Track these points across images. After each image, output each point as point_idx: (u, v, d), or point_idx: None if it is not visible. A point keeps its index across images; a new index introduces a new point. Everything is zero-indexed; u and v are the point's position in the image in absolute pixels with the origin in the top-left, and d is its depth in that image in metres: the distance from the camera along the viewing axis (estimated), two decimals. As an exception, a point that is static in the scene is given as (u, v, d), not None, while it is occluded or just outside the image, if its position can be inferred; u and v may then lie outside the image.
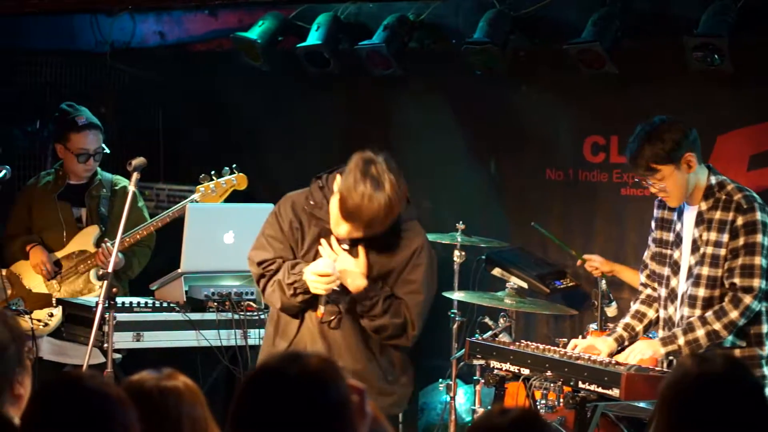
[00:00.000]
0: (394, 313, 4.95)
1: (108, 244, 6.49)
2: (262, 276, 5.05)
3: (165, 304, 6.44)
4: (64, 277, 6.72)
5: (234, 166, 6.55)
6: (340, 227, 4.86)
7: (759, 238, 5.06)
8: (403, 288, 4.98)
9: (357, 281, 4.89)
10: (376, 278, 4.96)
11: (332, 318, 4.98)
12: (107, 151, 6.88)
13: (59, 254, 6.75)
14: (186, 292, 6.46)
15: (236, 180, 6.52)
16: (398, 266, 4.98)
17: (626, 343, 5.39)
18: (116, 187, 6.89)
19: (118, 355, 6.14)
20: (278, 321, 5.14)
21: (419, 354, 7.88)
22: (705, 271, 5.12)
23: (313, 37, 7.87)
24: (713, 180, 5.17)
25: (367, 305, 4.92)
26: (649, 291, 5.44)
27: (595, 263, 6.91)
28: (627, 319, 5.46)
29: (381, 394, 4.99)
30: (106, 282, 5.38)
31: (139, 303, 6.39)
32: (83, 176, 6.82)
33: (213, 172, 6.57)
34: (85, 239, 6.76)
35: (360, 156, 4.85)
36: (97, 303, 5.44)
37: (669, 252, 5.29)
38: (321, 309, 4.90)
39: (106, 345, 5.58)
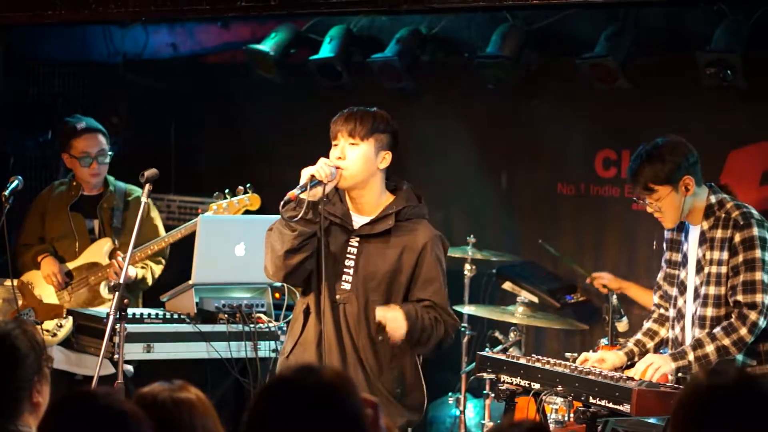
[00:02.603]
0: (437, 328, 4.97)
1: (120, 258, 6.50)
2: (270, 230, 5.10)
3: (176, 316, 6.44)
4: (75, 288, 6.72)
5: (248, 185, 6.54)
6: (334, 151, 4.98)
7: (758, 253, 5.06)
8: (427, 289, 4.99)
9: (399, 324, 4.89)
10: (388, 275, 4.97)
11: (301, 203, 4.90)
12: (110, 153, 6.85)
13: (70, 265, 6.76)
14: (197, 303, 6.45)
15: (249, 200, 6.51)
16: (409, 263, 4.98)
17: (636, 358, 5.39)
18: (129, 198, 6.90)
19: (129, 367, 6.14)
20: (291, 327, 5.18)
21: (429, 367, 7.89)
22: (711, 290, 5.13)
23: (326, 50, 7.89)
24: (713, 199, 5.18)
25: (416, 337, 4.94)
26: (661, 311, 5.45)
27: (604, 280, 6.90)
28: (639, 336, 5.46)
29: (389, 405, 4.99)
30: (117, 293, 5.38)
31: (149, 314, 6.38)
32: (92, 182, 6.81)
33: (227, 190, 6.56)
34: (97, 251, 6.77)
35: None
36: (108, 314, 5.44)
37: (677, 272, 5.30)
38: (296, 190, 4.86)
39: (116, 356, 5.58)
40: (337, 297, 5.00)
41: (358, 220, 5.03)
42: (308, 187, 4.84)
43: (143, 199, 5.64)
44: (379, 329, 4.93)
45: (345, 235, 5.01)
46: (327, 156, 5.03)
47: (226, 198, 6.52)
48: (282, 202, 4.90)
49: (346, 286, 5.00)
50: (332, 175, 4.89)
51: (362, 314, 4.99)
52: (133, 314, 6.28)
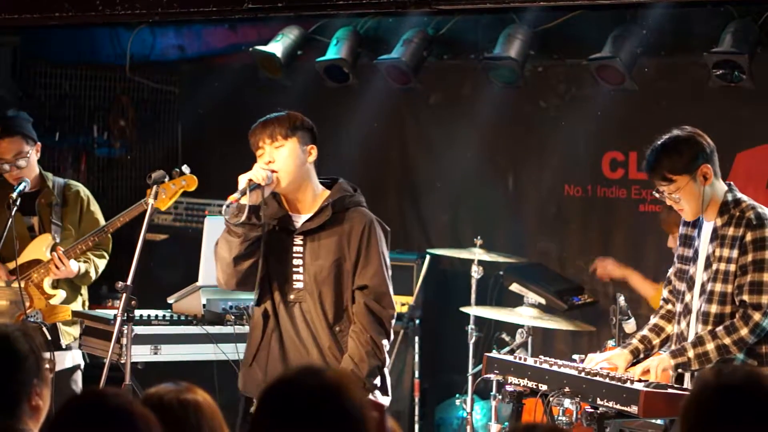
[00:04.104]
0: (368, 352, 5.00)
1: (61, 252, 6.45)
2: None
3: (183, 318, 6.45)
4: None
5: (183, 166, 6.36)
6: (261, 161, 5.06)
7: None
8: (367, 274, 5.05)
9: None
10: (334, 265, 5.03)
11: (242, 209, 4.98)
12: (32, 149, 6.72)
13: (11, 264, 6.66)
14: (204, 305, 6.46)
15: (186, 181, 6.36)
16: (351, 249, 5.04)
17: (641, 355, 5.38)
18: (68, 193, 6.80)
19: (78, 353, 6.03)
20: (250, 335, 5.25)
21: (436, 369, 7.89)
22: (717, 287, 5.11)
23: (333, 52, 7.89)
24: (729, 197, 5.17)
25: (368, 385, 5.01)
26: (669, 306, 5.43)
27: (608, 266, 6.92)
28: (644, 332, 5.44)
29: None
30: (124, 294, 5.38)
31: (157, 316, 6.39)
32: (15, 181, 6.68)
33: (162, 173, 6.35)
34: (38, 247, 6.67)
35: None
36: (115, 316, 5.44)
37: (687, 268, 5.29)
38: (236, 195, 4.94)
39: (124, 358, 5.58)
40: (291, 297, 5.09)
41: (298, 219, 5.13)
42: (247, 191, 4.95)
43: (149, 201, 5.64)
44: None
45: (288, 236, 5.11)
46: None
47: (162, 181, 6.28)
48: (224, 206, 5.01)
49: (299, 285, 5.08)
50: (269, 178, 5.01)
51: (318, 308, 5.06)
52: (141, 316, 6.28)
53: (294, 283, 5.09)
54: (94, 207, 6.80)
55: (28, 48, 8.78)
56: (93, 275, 6.68)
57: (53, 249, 6.56)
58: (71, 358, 6.64)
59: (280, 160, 5.05)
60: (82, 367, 6.65)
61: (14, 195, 6.40)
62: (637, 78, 7.15)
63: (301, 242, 5.09)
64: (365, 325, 5.02)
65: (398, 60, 7.67)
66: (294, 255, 5.10)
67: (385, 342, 5.07)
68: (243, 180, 4.98)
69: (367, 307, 5.04)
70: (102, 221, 6.73)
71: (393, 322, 5.15)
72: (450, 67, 8.09)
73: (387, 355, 5.08)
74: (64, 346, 6.57)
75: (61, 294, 6.61)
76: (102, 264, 6.71)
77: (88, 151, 9.23)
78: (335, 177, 5.26)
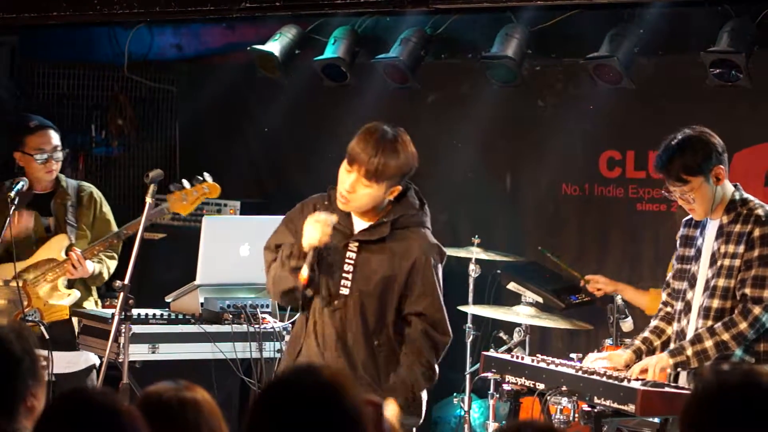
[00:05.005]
0: (424, 373, 4.98)
1: (78, 252, 6.48)
2: (274, 260, 5.04)
3: (181, 316, 6.45)
4: (33, 285, 6.67)
5: (206, 174, 6.41)
6: (345, 178, 4.88)
7: None
8: (421, 303, 4.95)
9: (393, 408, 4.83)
10: (383, 281, 4.94)
11: (312, 282, 4.90)
12: (65, 150, 6.78)
13: (28, 262, 6.68)
14: (202, 304, 6.46)
15: (208, 189, 6.40)
16: (402, 271, 4.94)
17: (644, 356, 5.39)
18: (82, 194, 6.85)
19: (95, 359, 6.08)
20: (292, 338, 5.19)
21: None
22: (721, 282, 5.12)
23: (330, 51, 7.89)
24: (737, 196, 5.18)
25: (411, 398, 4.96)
26: (668, 309, 5.44)
27: (599, 284, 6.87)
28: (645, 333, 5.45)
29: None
30: (122, 294, 5.39)
31: (154, 315, 6.40)
32: (45, 179, 6.74)
33: (184, 180, 6.43)
34: (53, 248, 6.71)
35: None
36: (113, 315, 5.45)
37: (688, 267, 5.29)
38: (305, 270, 4.82)
39: (121, 357, 5.58)
40: (336, 303, 4.98)
41: (359, 224, 5.01)
42: (313, 257, 4.84)
43: (148, 200, 5.65)
44: None
45: (344, 239, 4.99)
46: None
47: (183, 187, 6.37)
48: (299, 288, 4.89)
49: (345, 291, 4.97)
50: (331, 226, 4.86)
51: (359, 319, 4.97)
52: (138, 315, 6.29)
53: (341, 288, 4.98)
54: (106, 208, 6.87)
55: (25, 47, 8.78)
56: (105, 276, 6.75)
57: (69, 249, 6.62)
58: (85, 359, 6.66)
59: (359, 196, 4.90)
60: (97, 366, 6.66)
61: (12, 194, 6.42)
62: (634, 77, 7.16)
63: (355, 249, 4.97)
64: (422, 349, 4.95)
65: (396, 59, 7.68)
66: (347, 260, 4.98)
67: (436, 368, 5.02)
68: (307, 245, 4.83)
69: (425, 333, 4.95)
70: (113, 222, 6.82)
71: (445, 348, 5.07)
72: (448, 67, 8.09)
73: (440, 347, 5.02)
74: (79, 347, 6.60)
75: (75, 294, 6.66)
76: (113, 265, 6.78)
77: (86, 150, 9.23)
78: (407, 183, 5.06)
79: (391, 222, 4.96)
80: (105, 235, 6.65)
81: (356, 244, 4.98)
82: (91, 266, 6.58)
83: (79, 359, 6.63)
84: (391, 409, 4.76)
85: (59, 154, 6.75)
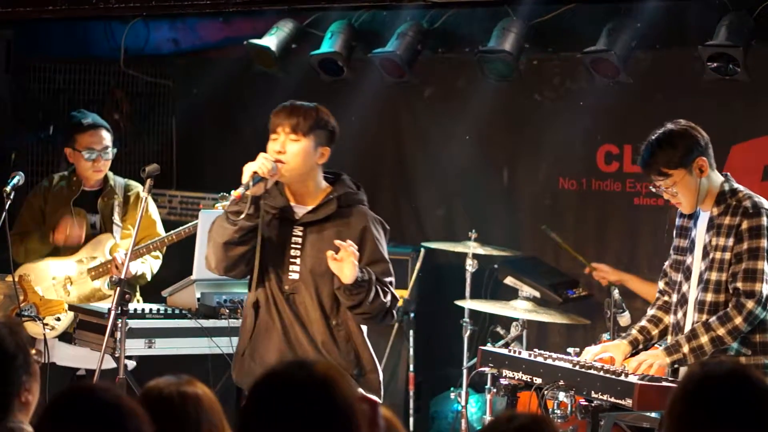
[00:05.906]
0: (385, 293, 5.04)
1: (122, 253, 6.50)
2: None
3: (177, 311, 6.44)
4: (75, 282, 6.71)
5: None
6: (273, 145, 5.04)
7: (763, 243, 5.06)
8: (374, 269, 5.05)
9: (351, 268, 4.90)
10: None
11: (244, 199, 4.98)
12: (114, 149, 6.83)
13: (72, 258, 6.75)
14: (198, 299, 6.46)
15: None
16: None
17: (641, 346, 5.39)
18: (129, 193, 6.89)
19: (132, 362, 6.13)
20: (243, 324, 5.26)
21: (431, 363, 7.89)
22: (713, 276, 5.13)
23: (327, 45, 7.88)
24: (726, 187, 5.19)
25: (358, 298, 4.97)
26: (666, 298, 5.44)
27: (604, 272, 6.91)
28: (643, 323, 5.45)
29: None
30: (118, 288, 5.38)
31: (151, 310, 6.39)
32: (93, 177, 6.80)
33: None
34: (98, 246, 6.76)
35: None
36: (109, 310, 5.44)
37: (683, 258, 5.30)
38: (240, 189, 4.93)
39: (118, 352, 5.57)
40: (286, 287, 5.08)
41: (300, 211, 5.12)
42: (251, 184, 4.93)
43: (143, 195, 5.65)
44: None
45: (288, 226, 5.10)
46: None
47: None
48: (229, 200, 5.01)
49: (294, 276, 5.07)
50: (273, 170, 4.99)
51: (315, 300, 5.06)
52: (135, 310, 6.28)
53: (290, 273, 5.08)
54: (152, 209, 6.89)
55: (21, 42, 8.75)
56: (149, 276, 6.78)
57: (113, 248, 6.66)
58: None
59: (291, 154, 5.04)
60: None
61: (8, 189, 6.42)
62: (631, 71, 7.15)
63: (300, 233, 5.09)
64: None
65: (393, 53, 7.66)
66: (292, 246, 5.09)
67: (392, 304, 5.08)
68: (247, 171, 4.96)
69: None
70: (158, 222, 6.84)
71: (396, 311, 5.17)
72: (445, 61, 8.08)
73: (394, 299, 5.10)
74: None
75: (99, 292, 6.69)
76: (157, 265, 6.85)
77: (83, 145, 9.20)
78: (338, 172, 5.25)
79: (337, 198, 5.08)
80: (150, 235, 6.70)
81: (300, 228, 5.08)
82: (134, 267, 6.60)
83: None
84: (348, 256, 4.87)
85: (109, 154, 6.79)
